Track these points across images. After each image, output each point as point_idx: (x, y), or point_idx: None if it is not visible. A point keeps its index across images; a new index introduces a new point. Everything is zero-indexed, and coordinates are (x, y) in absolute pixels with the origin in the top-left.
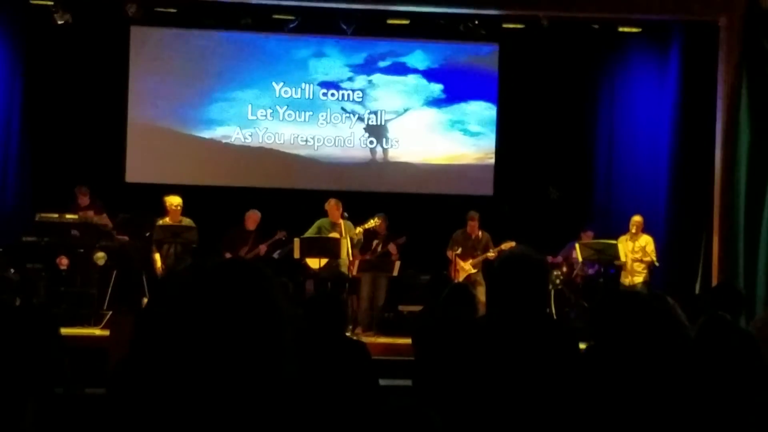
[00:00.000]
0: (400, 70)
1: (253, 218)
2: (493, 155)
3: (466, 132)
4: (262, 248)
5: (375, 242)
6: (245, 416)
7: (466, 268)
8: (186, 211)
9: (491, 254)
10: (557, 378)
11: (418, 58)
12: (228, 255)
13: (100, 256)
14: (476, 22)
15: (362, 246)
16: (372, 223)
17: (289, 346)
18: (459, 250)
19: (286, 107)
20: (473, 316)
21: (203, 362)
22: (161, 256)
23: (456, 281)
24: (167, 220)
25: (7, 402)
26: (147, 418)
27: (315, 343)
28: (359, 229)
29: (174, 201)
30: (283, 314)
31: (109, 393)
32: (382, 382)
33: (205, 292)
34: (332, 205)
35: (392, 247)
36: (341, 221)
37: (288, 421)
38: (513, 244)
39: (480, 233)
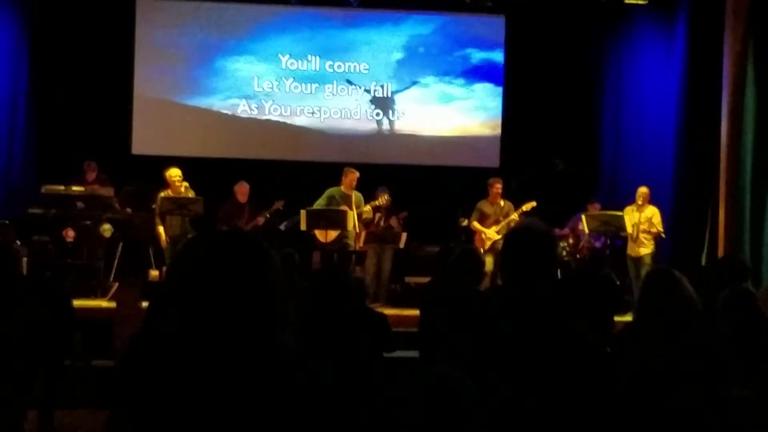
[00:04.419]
0: (407, 41)
1: (242, 190)
2: (500, 127)
3: (472, 104)
4: (260, 219)
5: (378, 215)
6: (244, 388)
7: (491, 235)
8: (193, 183)
9: (514, 217)
10: (565, 353)
11: (425, 29)
12: (225, 228)
13: (107, 228)
14: None
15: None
16: (381, 200)
17: (286, 317)
18: (472, 222)
19: (292, 79)
20: (478, 283)
21: (200, 332)
22: (165, 228)
23: (478, 249)
24: (169, 192)
25: (18, 373)
26: (155, 392)
27: (330, 315)
28: (368, 207)
29: (174, 173)
30: (278, 285)
31: (121, 366)
32: (389, 353)
33: (202, 264)
34: (351, 176)
35: (394, 221)
36: (353, 192)
37: (292, 393)
38: (534, 203)
39: (502, 202)
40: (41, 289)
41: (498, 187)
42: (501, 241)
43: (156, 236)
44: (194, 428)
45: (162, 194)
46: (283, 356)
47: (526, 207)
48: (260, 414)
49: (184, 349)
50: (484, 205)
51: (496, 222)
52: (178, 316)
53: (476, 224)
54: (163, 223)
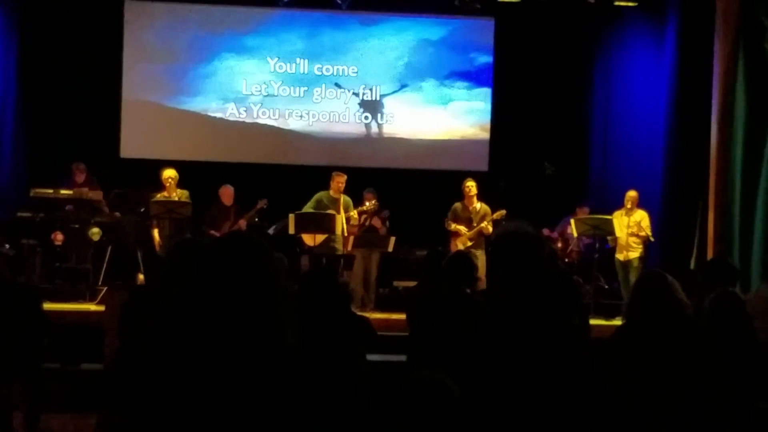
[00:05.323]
0: (396, 44)
1: (227, 193)
2: (489, 130)
3: (461, 107)
4: (242, 222)
5: (363, 217)
6: (249, 387)
7: (463, 231)
8: (181, 186)
9: (484, 225)
10: (557, 356)
11: (414, 32)
12: (213, 232)
13: (95, 232)
14: None
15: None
16: (368, 206)
17: (289, 317)
18: (452, 226)
19: (280, 82)
20: (473, 286)
21: (207, 333)
22: (159, 231)
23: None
24: (164, 193)
25: None
26: (153, 390)
27: (318, 318)
28: (354, 212)
29: (168, 174)
30: (281, 287)
31: (114, 367)
32: (378, 357)
33: (208, 266)
34: (338, 180)
35: (377, 221)
36: (341, 196)
37: (291, 391)
38: (504, 212)
39: (479, 205)
40: (13, 294)
41: (469, 187)
42: (472, 248)
43: (149, 239)
44: (194, 428)
45: (157, 196)
46: (286, 355)
47: (497, 215)
48: (265, 408)
49: (186, 351)
50: (458, 207)
51: (468, 227)
52: (179, 317)
53: (452, 224)
54: (158, 227)
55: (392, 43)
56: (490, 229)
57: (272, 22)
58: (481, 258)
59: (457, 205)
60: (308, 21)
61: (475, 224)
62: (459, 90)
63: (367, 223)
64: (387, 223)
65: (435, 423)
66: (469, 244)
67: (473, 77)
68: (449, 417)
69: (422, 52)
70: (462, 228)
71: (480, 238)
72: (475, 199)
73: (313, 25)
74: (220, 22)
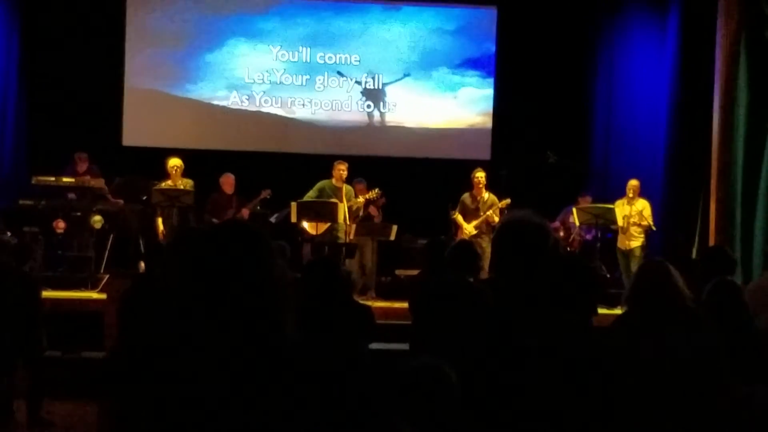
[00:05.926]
0: (398, 32)
1: (228, 182)
2: (491, 119)
3: (463, 96)
4: (245, 211)
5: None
6: (248, 376)
7: (468, 230)
8: (184, 175)
9: (490, 214)
10: (562, 347)
11: (417, 20)
12: (215, 220)
13: (97, 220)
14: None
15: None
16: (372, 194)
17: (288, 306)
18: (457, 215)
19: (283, 71)
20: (476, 275)
21: (205, 322)
22: (163, 220)
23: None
24: (169, 182)
25: None
26: (149, 380)
27: (321, 307)
28: (361, 199)
29: (173, 163)
30: (280, 275)
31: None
32: (379, 346)
33: (206, 254)
34: (340, 168)
35: (373, 209)
36: (343, 185)
37: (290, 380)
38: (509, 201)
39: (487, 195)
40: (15, 282)
41: (478, 177)
42: (478, 237)
43: (151, 227)
44: (194, 419)
45: (162, 185)
46: (287, 342)
47: (502, 204)
48: (265, 398)
49: (186, 340)
50: (466, 197)
51: (475, 216)
52: (178, 306)
53: (458, 217)
54: (162, 215)
55: (395, 31)
56: (496, 218)
57: (274, 9)
58: (487, 248)
59: (466, 195)
60: (311, 9)
61: (482, 214)
62: (461, 78)
63: (361, 213)
64: (381, 210)
65: (433, 409)
66: (475, 232)
67: (476, 66)
68: (447, 404)
69: (425, 40)
70: (465, 225)
71: (487, 227)
72: (483, 189)
73: (315, 13)
74: (222, 11)
